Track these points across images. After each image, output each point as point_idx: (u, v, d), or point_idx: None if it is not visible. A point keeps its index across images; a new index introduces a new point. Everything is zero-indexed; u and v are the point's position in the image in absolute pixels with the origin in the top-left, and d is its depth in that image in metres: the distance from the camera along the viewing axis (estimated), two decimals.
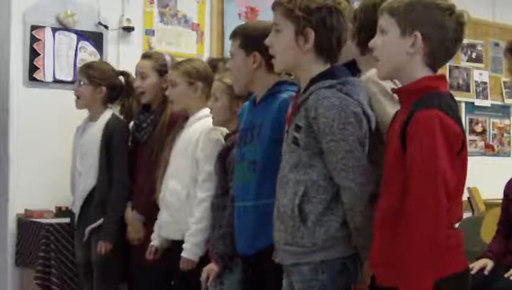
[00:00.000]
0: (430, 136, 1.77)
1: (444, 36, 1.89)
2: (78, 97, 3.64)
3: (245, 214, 2.46)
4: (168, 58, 3.62)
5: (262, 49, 2.35)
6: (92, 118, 3.65)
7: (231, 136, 2.87)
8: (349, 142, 2.00)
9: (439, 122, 1.78)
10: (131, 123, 3.67)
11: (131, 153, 3.60)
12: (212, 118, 2.97)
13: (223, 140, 2.97)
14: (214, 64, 3.44)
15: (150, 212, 3.30)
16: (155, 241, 3.22)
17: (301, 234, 2.06)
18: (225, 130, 2.99)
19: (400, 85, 1.99)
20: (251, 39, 2.51)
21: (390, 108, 2.08)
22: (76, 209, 3.60)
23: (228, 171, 2.78)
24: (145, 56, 3.68)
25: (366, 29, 2.16)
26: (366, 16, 2.20)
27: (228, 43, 2.67)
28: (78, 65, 4.09)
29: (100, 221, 3.47)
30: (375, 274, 1.99)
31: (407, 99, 1.90)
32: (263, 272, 2.40)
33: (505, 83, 6.43)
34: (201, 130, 3.07)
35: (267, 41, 2.22)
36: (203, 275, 2.78)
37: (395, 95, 2.02)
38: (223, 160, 2.84)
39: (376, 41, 1.96)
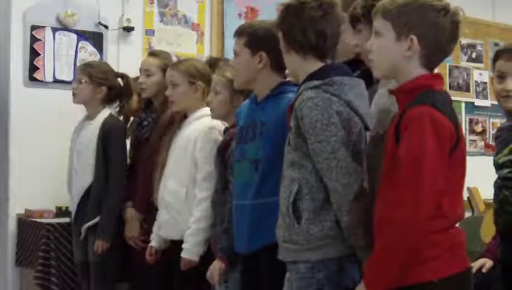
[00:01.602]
0: (419, 132, 1.77)
1: (439, 37, 1.88)
2: (75, 94, 3.63)
3: (243, 212, 2.46)
4: (175, 58, 3.62)
5: (269, 49, 2.37)
6: (89, 117, 3.64)
7: (230, 129, 2.86)
8: (331, 143, 2.02)
9: (429, 117, 1.78)
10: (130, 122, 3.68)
11: (133, 152, 3.60)
12: (212, 111, 2.96)
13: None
14: None
15: (149, 211, 3.30)
16: (153, 242, 3.21)
17: (296, 231, 2.08)
18: (223, 128, 2.98)
19: None
20: (257, 39, 2.49)
21: None
22: (73, 207, 3.59)
23: (228, 165, 2.76)
24: (153, 54, 3.68)
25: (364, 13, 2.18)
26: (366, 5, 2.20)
27: (228, 43, 2.68)
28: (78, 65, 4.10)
29: (96, 219, 3.46)
30: None
31: (404, 99, 1.90)
32: (261, 270, 2.40)
33: None
34: (199, 130, 3.06)
35: None
36: (209, 274, 2.70)
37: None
38: (223, 154, 2.83)
39: (371, 44, 1.95)
